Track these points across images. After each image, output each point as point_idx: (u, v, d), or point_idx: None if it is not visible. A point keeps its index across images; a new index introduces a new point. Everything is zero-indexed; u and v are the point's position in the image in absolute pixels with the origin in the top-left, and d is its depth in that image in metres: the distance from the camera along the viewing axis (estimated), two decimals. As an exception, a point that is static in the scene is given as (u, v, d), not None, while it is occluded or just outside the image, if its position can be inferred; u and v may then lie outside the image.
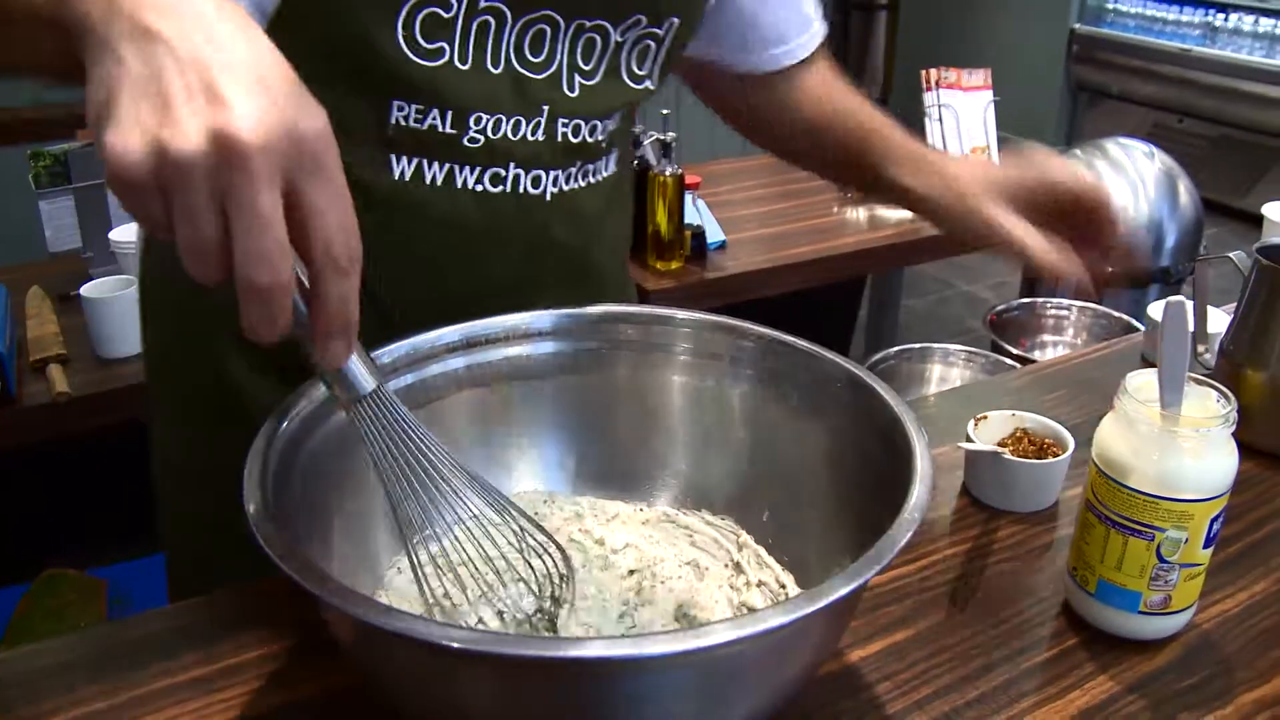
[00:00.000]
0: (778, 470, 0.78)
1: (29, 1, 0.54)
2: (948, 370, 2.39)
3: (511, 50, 0.80)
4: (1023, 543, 0.90)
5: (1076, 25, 5.71)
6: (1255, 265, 1.04)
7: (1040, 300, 2.60)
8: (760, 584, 0.75)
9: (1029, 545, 0.90)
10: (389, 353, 0.74)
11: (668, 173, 2.00)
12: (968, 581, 0.85)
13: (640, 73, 0.87)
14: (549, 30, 0.80)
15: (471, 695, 0.56)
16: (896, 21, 6.92)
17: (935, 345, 2.43)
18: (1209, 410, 0.76)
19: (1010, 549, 0.90)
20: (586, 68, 0.84)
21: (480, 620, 0.69)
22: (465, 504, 0.67)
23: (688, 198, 2.06)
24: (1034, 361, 2.10)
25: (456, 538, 0.72)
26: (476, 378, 0.79)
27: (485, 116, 0.80)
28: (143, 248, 0.98)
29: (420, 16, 0.75)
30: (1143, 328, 1.34)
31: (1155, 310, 1.23)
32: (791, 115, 1.05)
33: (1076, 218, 0.91)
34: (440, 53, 0.77)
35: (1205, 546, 0.75)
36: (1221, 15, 5.17)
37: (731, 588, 0.75)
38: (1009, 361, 2.26)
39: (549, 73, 0.82)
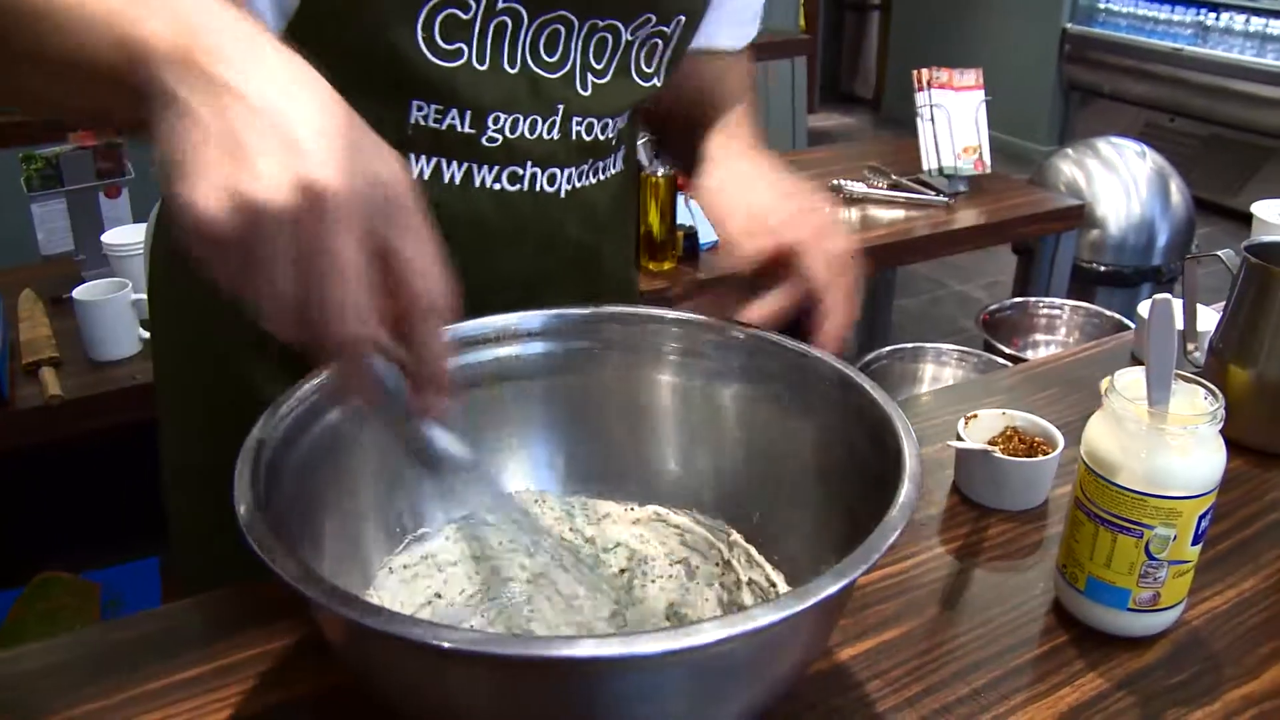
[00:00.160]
0: (768, 469, 0.78)
1: (92, 58, 0.54)
2: (940, 370, 2.39)
3: (527, 50, 0.80)
4: (1013, 540, 0.91)
5: (1068, 25, 5.73)
6: (1244, 263, 1.04)
7: (1032, 300, 2.61)
8: (750, 583, 0.75)
9: (1019, 543, 0.91)
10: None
11: (660, 173, 2.01)
12: (958, 579, 0.85)
13: (648, 71, 0.88)
14: (563, 30, 0.81)
15: (464, 695, 0.56)
16: (889, 21, 6.95)
17: (928, 345, 2.43)
18: (1197, 408, 0.76)
19: (1000, 547, 0.90)
20: (598, 67, 0.85)
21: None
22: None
23: (680, 198, 2.06)
24: (1026, 361, 2.11)
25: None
26: (468, 378, 0.79)
27: (503, 116, 0.81)
28: (150, 249, 0.98)
29: (440, 18, 0.75)
30: (1134, 326, 1.34)
31: (1144, 308, 1.23)
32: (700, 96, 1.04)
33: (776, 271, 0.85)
34: (459, 53, 0.77)
35: (1194, 543, 0.75)
36: (1213, 15, 5.19)
37: (722, 586, 0.75)
38: (1001, 361, 2.27)
39: (563, 72, 0.83)
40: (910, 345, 2.42)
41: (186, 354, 0.93)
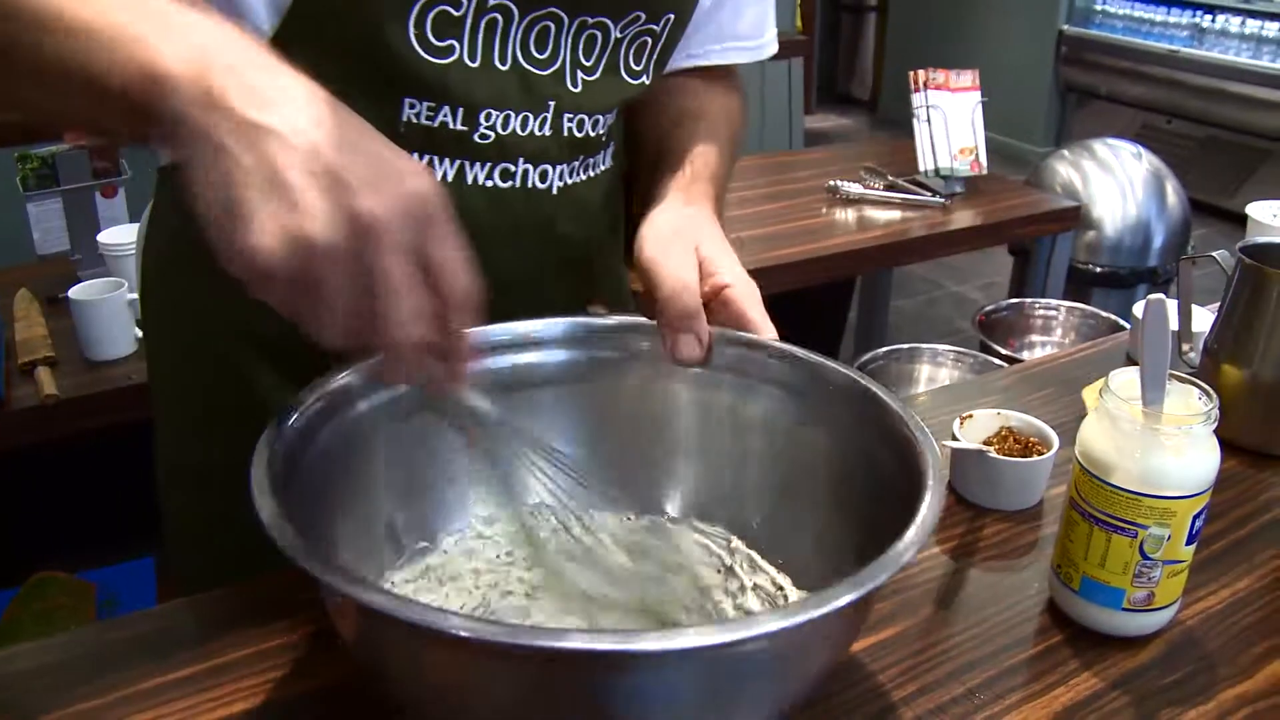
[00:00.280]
0: (783, 478, 0.78)
1: (101, 77, 0.55)
2: (936, 371, 2.39)
3: (518, 47, 0.81)
4: (1008, 540, 0.91)
5: (1065, 26, 5.74)
6: (1238, 264, 1.04)
7: (1029, 301, 2.61)
8: (755, 587, 0.75)
9: (1014, 543, 0.91)
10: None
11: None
12: (953, 579, 0.86)
13: (637, 69, 0.89)
14: (553, 27, 0.81)
15: (481, 687, 0.56)
16: (886, 22, 6.96)
17: (924, 346, 2.43)
18: (1191, 408, 0.76)
19: (995, 547, 0.90)
20: (588, 64, 0.85)
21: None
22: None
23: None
24: (1022, 361, 2.11)
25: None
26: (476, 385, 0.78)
27: (495, 113, 0.81)
28: (143, 246, 0.98)
29: (431, 15, 0.75)
30: (1129, 327, 1.34)
31: (1139, 309, 1.23)
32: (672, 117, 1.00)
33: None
34: (450, 50, 0.77)
35: (1188, 543, 0.76)
36: (1209, 17, 5.19)
37: (725, 593, 0.75)
38: (997, 362, 2.27)
39: (553, 69, 0.83)
40: (906, 346, 2.43)
41: (182, 354, 0.93)
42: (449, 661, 0.55)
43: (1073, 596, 0.79)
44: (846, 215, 2.41)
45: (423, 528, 0.77)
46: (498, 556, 0.77)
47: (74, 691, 0.70)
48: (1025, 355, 2.46)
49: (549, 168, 0.86)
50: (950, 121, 2.51)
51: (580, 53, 0.84)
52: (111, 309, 1.65)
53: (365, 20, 0.74)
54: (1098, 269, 3.05)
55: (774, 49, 1.04)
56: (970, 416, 0.99)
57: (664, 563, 0.77)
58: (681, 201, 0.87)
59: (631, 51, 0.87)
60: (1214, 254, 1.09)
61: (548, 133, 0.85)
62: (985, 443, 0.97)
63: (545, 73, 0.83)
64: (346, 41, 0.75)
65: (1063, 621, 0.81)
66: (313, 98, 0.54)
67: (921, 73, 2.52)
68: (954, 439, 0.96)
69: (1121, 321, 2.43)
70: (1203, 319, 1.19)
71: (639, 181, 0.95)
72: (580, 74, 0.85)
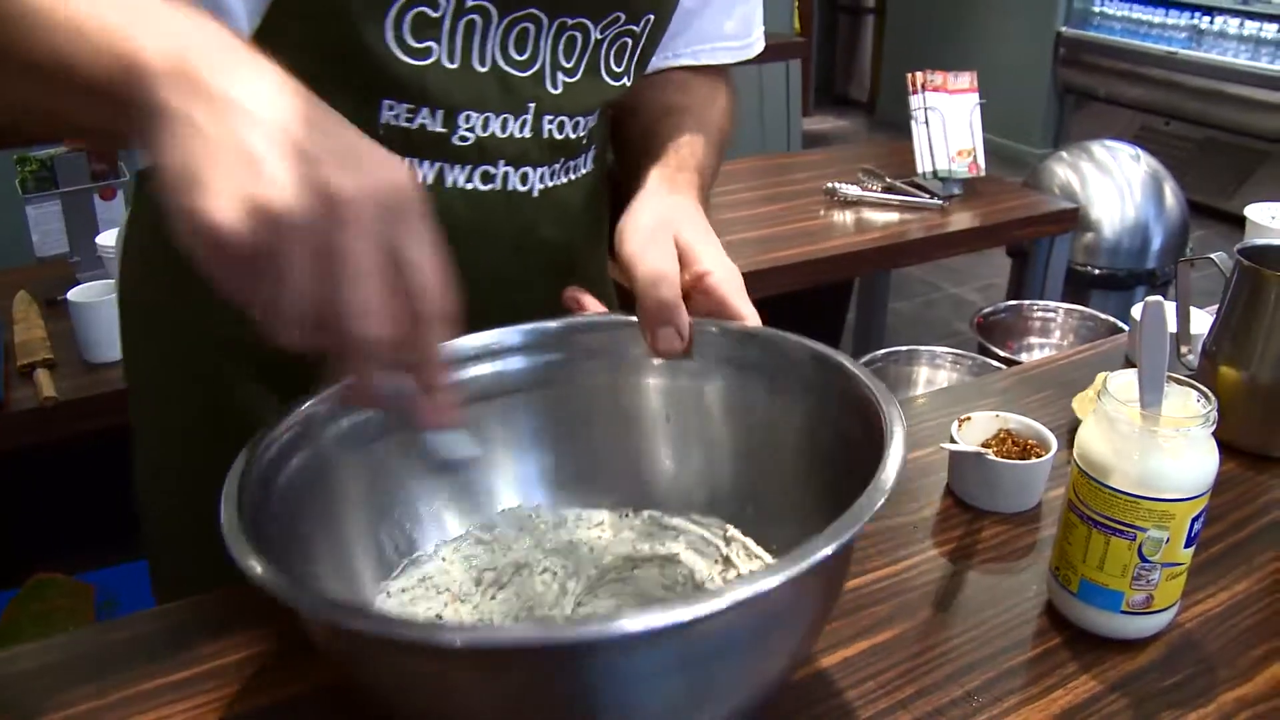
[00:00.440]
0: (758, 460, 0.78)
1: (82, 68, 0.53)
2: (934, 372, 2.40)
3: (497, 49, 0.80)
4: (1006, 543, 0.91)
5: (1063, 28, 5.74)
6: (1237, 266, 1.05)
7: (1027, 303, 2.61)
8: (752, 575, 0.75)
9: (1012, 545, 0.91)
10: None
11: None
12: (951, 581, 0.86)
13: (618, 70, 0.88)
14: (532, 28, 0.81)
15: (448, 688, 0.56)
16: (884, 24, 6.96)
17: (922, 348, 2.43)
18: (1189, 410, 0.76)
19: (994, 549, 0.90)
20: (568, 65, 0.85)
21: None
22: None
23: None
24: (1020, 363, 2.11)
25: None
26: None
27: (474, 115, 0.81)
28: (121, 255, 0.97)
29: (409, 16, 0.75)
30: (1128, 329, 1.35)
31: (1137, 311, 1.23)
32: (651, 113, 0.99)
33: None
34: (429, 52, 0.77)
35: (1187, 546, 0.76)
36: (1207, 18, 5.20)
37: (724, 582, 0.75)
38: (995, 364, 2.27)
39: (533, 70, 0.83)
40: (904, 348, 2.43)
41: (159, 361, 0.92)
42: (401, 667, 0.54)
43: (1071, 599, 0.79)
44: (844, 217, 2.41)
45: (415, 539, 0.77)
46: (497, 563, 0.77)
47: (74, 693, 0.70)
48: (1023, 357, 2.46)
49: (529, 170, 0.86)
50: (948, 123, 2.51)
51: (560, 54, 0.84)
52: (110, 311, 1.65)
53: (343, 21, 0.74)
54: (1096, 271, 3.06)
55: (761, 47, 1.04)
56: (968, 419, 0.99)
57: (662, 557, 0.77)
58: (665, 190, 0.85)
59: (612, 52, 0.87)
60: (1212, 256, 1.09)
61: (528, 135, 0.84)
62: (983, 445, 0.97)
63: (525, 74, 0.82)
64: (325, 43, 0.75)
65: (1061, 624, 0.81)
66: (288, 85, 0.52)
67: (919, 74, 2.53)
68: (952, 441, 0.96)
69: (1120, 323, 2.43)
70: (1201, 321, 1.19)
71: (626, 183, 0.94)
72: (560, 75, 0.84)
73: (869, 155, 2.85)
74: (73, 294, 1.67)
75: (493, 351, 0.79)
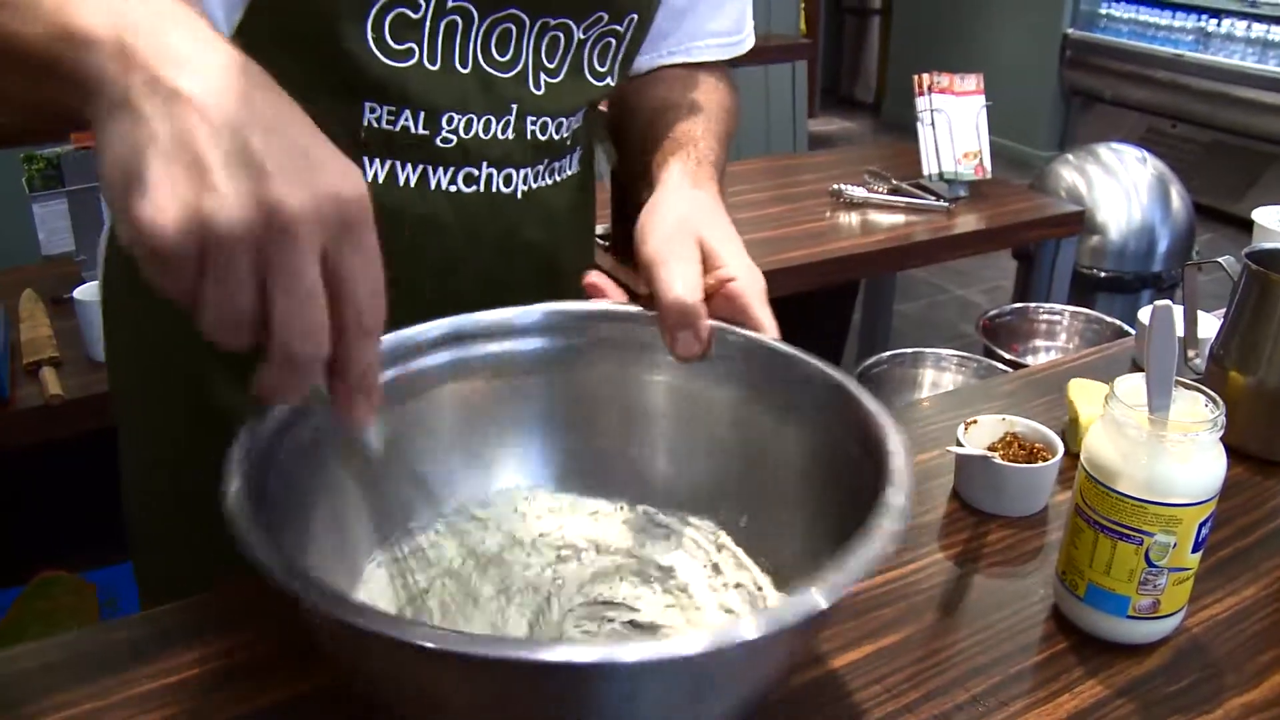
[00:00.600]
0: (758, 472, 0.78)
1: (27, 43, 0.51)
2: (940, 375, 2.39)
3: (479, 50, 0.80)
4: (1012, 547, 0.91)
5: (1069, 30, 5.74)
6: (1244, 270, 1.04)
7: (1033, 305, 2.61)
8: (738, 585, 0.75)
9: (1019, 549, 0.91)
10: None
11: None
12: (957, 585, 0.85)
13: (602, 70, 0.88)
14: (515, 29, 0.81)
15: (443, 693, 0.56)
16: (890, 25, 6.96)
17: (928, 350, 2.43)
18: (1197, 414, 0.76)
19: (1000, 553, 0.90)
20: (551, 66, 0.84)
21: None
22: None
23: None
24: (1026, 366, 2.11)
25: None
26: (461, 373, 0.78)
27: (456, 116, 0.81)
28: (104, 259, 0.97)
29: (389, 17, 0.75)
30: (1134, 333, 1.34)
31: (1144, 315, 1.23)
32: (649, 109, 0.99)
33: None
34: (410, 53, 0.77)
35: (1194, 551, 0.75)
36: (1214, 20, 5.19)
37: (710, 589, 0.75)
38: (1001, 366, 2.27)
39: (515, 71, 0.83)
40: (910, 350, 2.42)
41: (144, 363, 0.92)
42: (409, 669, 0.54)
43: (1078, 603, 0.79)
44: (850, 219, 2.41)
45: (411, 511, 0.77)
46: (489, 540, 0.77)
47: (77, 692, 0.70)
48: (1029, 360, 2.46)
49: (513, 172, 0.85)
50: (954, 125, 2.51)
51: (543, 54, 0.83)
52: (116, 309, 1.65)
53: (322, 23, 0.74)
54: (1102, 274, 3.05)
55: (752, 43, 1.04)
56: (975, 422, 0.99)
57: (653, 559, 0.77)
58: (689, 184, 0.84)
59: (596, 52, 0.87)
60: (1220, 260, 1.09)
61: (511, 136, 0.84)
62: (990, 448, 0.96)
63: (507, 75, 0.82)
64: (305, 45, 0.74)
65: (1068, 628, 0.80)
66: (238, 68, 0.49)
67: (926, 76, 2.52)
68: (958, 444, 0.96)
69: (1126, 327, 2.42)
70: (1208, 325, 1.19)
71: (631, 182, 0.94)
72: (543, 76, 0.84)
73: (875, 157, 2.85)
74: (79, 292, 1.68)
75: (509, 330, 0.79)
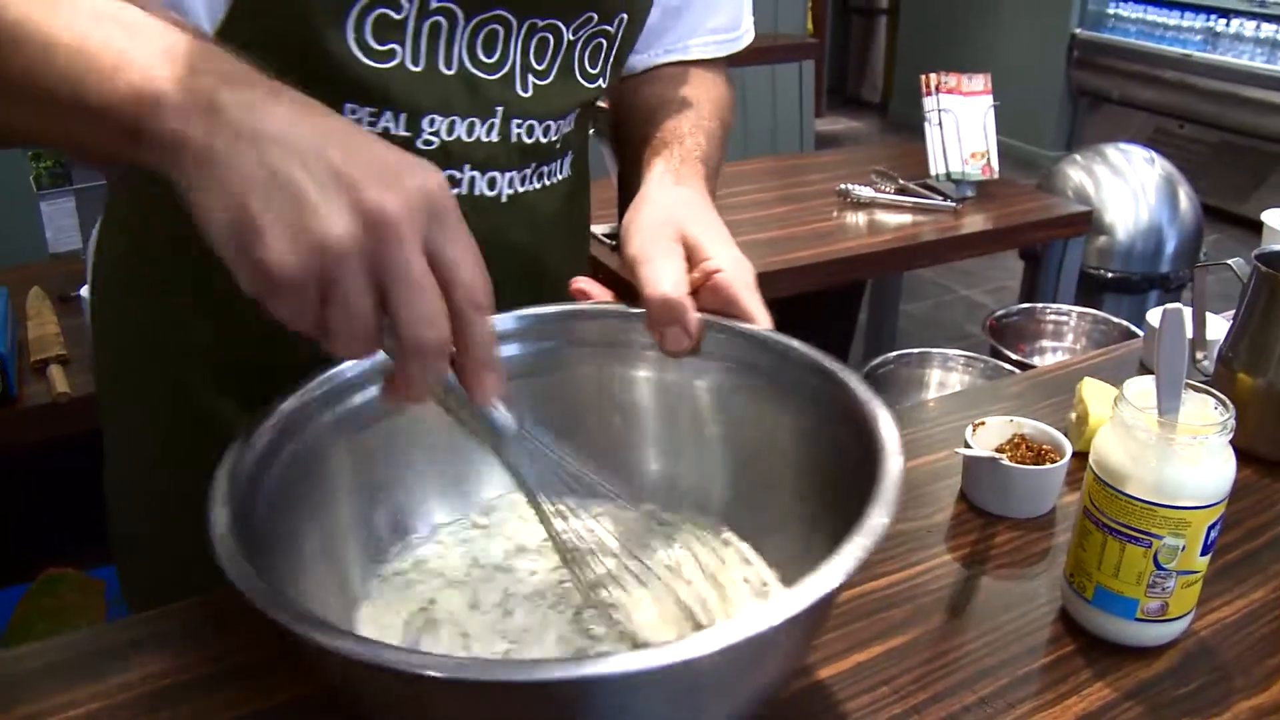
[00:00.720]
0: (756, 466, 0.77)
1: (85, 102, 0.53)
2: (947, 375, 2.39)
3: (464, 51, 0.79)
4: (1020, 549, 0.91)
5: (1077, 30, 5.73)
6: (1254, 272, 1.04)
7: (1040, 306, 2.60)
8: (745, 581, 0.74)
9: (1026, 551, 0.90)
10: (354, 365, 0.72)
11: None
12: (965, 587, 0.85)
13: (593, 71, 0.88)
14: (501, 30, 0.80)
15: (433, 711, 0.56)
16: (897, 25, 6.95)
17: (934, 350, 2.42)
18: (1207, 417, 0.76)
19: (1008, 555, 0.90)
20: (539, 67, 0.84)
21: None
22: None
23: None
24: (1033, 367, 2.10)
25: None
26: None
27: (439, 118, 0.80)
28: (94, 264, 0.96)
29: (370, 18, 0.74)
30: (1142, 334, 1.34)
31: (1153, 317, 1.23)
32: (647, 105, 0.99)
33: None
34: (392, 54, 0.76)
35: (1203, 554, 0.75)
36: (1222, 20, 5.18)
37: (715, 585, 0.75)
38: (1008, 367, 2.26)
39: (502, 73, 0.82)
40: (916, 350, 2.42)
41: (129, 368, 0.92)
42: (396, 692, 0.55)
43: (1086, 606, 0.79)
44: (857, 219, 2.41)
45: (406, 525, 0.77)
46: (492, 549, 0.76)
47: (82, 691, 0.70)
48: (1036, 360, 2.45)
49: (497, 175, 0.85)
50: (961, 125, 2.50)
51: (532, 56, 0.83)
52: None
53: (302, 23, 0.73)
54: (1109, 274, 3.05)
55: (750, 38, 1.04)
56: (983, 423, 0.99)
57: (660, 559, 0.77)
58: (671, 182, 0.84)
59: (586, 53, 0.86)
60: (1229, 261, 1.09)
61: (495, 139, 0.83)
62: (998, 450, 0.96)
63: (493, 77, 0.81)
64: (284, 45, 0.73)
65: (1075, 631, 0.80)
66: (306, 103, 0.53)
67: (933, 76, 2.52)
68: (966, 446, 0.96)
69: (1133, 328, 2.42)
70: (1217, 327, 1.18)
71: (631, 183, 0.93)
72: (532, 78, 0.83)
73: (882, 157, 2.84)
74: (86, 290, 1.68)
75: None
